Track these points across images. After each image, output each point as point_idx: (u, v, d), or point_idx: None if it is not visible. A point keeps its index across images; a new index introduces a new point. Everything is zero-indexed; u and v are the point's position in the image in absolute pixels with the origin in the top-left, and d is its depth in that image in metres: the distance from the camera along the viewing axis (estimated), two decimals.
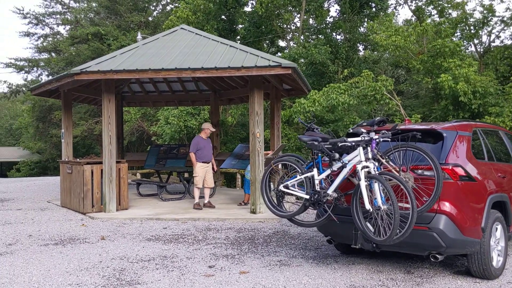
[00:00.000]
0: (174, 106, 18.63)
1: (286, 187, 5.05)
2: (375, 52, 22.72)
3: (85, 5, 31.09)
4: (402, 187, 4.28)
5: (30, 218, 8.98)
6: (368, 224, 4.45)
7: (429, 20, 17.42)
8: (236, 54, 9.18)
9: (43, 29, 32.44)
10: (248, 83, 11.83)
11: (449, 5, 17.28)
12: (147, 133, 25.40)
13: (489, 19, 16.58)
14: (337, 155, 4.66)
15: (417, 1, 19.59)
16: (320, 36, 20.93)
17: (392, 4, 21.75)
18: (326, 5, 21.64)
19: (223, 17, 21.84)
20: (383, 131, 4.65)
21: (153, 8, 30.68)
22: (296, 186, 5.03)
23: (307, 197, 4.84)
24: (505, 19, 17.12)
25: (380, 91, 13.45)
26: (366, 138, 4.54)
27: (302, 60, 18.81)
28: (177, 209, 9.61)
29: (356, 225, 4.54)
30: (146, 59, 9.25)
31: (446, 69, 13.80)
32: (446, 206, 4.60)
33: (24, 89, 30.95)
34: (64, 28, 32.66)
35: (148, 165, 13.32)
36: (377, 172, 4.45)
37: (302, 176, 4.90)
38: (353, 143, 4.60)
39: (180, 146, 13.72)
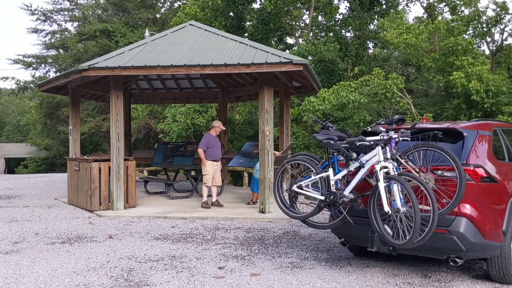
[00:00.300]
0: (181, 104, 18.51)
1: (300, 187, 4.88)
2: (385, 50, 22.47)
3: (93, 1, 31.05)
4: (422, 188, 4.11)
5: (37, 215, 8.88)
6: (386, 227, 4.28)
7: (442, 17, 17.16)
8: (246, 51, 9.01)
9: (51, 26, 32.50)
10: (256, 80, 11.71)
11: (462, 2, 17.00)
12: (154, 130, 25.32)
13: (502, 16, 16.29)
14: (354, 155, 4.48)
15: None
16: (329, 33, 20.71)
17: (403, 1, 21.49)
18: (335, 1, 21.41)
19: (231, 14, 21.68)
20: (402, 130, 4.47)
21: (161, 5, 30.60)
22: (310, 187, 4.86)
23: (322, 198, 4.67)
24: None
25: (391, 90, 13.24)
26: (385, 137, 4.36)
27: (311, 58, 18.61)
28: (185, 208, 9.48)
29: (374, 227, 4.37)
30: (154, 55, 9.12)
31: (458, 67, 13.57)
32: (467, 209, 4.42)
33: (32, 85, 30.97)
34: (72, 25, 32.78)
35: (155, 162, 13.21)
36: (396, 172, 4.27)
37: (317, 176, 4.72)
38: (372, 142, 4.41)
39: (187, 143, 13.60)
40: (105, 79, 11.01)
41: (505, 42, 17.99)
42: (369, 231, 4.68)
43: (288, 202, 5.12)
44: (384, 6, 19.72)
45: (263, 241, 6.70)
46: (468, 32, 16.87)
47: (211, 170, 9.39)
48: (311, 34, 21.38)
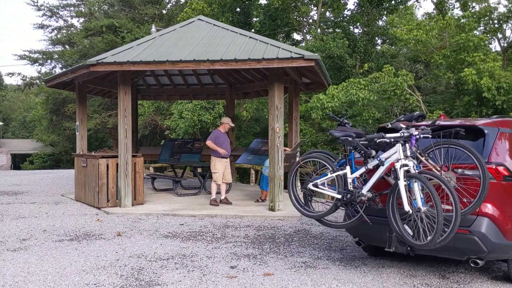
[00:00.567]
0: (188, 100, 18.40)
1: (316, 185, 4.73)
2: (393, 47, 22.24)
3: None
4: (444, 187, 3.97)
5: (44, 212, 8.80)
6: (406, 227, 4.14)
7: (451, 13, 16.92)
8: (256, 46, 8.86)
9: (57, 22, 32.61)
10: (265, 76, 11.58)
11: None
12: (160, 127, 25.25)
13: None
14: (373, 152, 4.34)
15: None
16: (337, 29, 20.51)
17: None
18: None
19: (238, 9, 21.52)
20: (422, 127, 4.33)
21: (167, 1, 30.46)
22: (326, 185, 4.72)
23: (339, 196, 4.53)
24: None
25: (401, 87, 13.06)
26: (406, 134, 4.21)
27: (319, 54, 18.43)
28: (193, 205, 9.37)
29: (393, 227, 4.23)
30: (163, 50, 8.99)
31: (469, 63, 13.37)
32: (488, 208, 4.29)
33: (38, 81, 30.98)
34: (78, 21, 32.63)
35: (163, 159, 13.10)
36: (416, 171, 4.13)
37: (334, 174, 4.58)
38: (392, 140, 4.26)
39: (194, 140, 13.49)
40: (112, 75, 10.90)
41: None
42: (386, 231, 4.55)
43: (302, 200, 4.98)
44: (393, 2, 19.49)
45: (274, 240, 6.58)
46: (479, 29, 16.62)
47: (221, 167, 9.26)
48: (318, 30, 21.19)
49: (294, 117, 11.35)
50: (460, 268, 5.19)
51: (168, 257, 5.61)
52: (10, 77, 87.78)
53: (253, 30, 22.09)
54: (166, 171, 18.14)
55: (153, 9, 27.65)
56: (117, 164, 9.12)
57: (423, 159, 4.30)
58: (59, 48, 31.31)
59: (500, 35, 17.28)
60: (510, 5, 15.92)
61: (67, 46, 30.52)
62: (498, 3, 16.91)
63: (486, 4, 16.49)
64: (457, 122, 4.82)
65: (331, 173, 4.63)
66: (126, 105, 9.05)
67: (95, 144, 30.77)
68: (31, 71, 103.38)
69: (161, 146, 14.79)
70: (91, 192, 9.41)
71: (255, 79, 12.64)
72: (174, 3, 30.48)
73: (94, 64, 8.46)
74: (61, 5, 31.58)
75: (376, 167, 4.40)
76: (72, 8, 31.87)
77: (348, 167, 4.56)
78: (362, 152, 4.47)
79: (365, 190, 4.40)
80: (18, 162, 40.97)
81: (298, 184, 5.23)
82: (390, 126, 4.34)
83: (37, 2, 30.75)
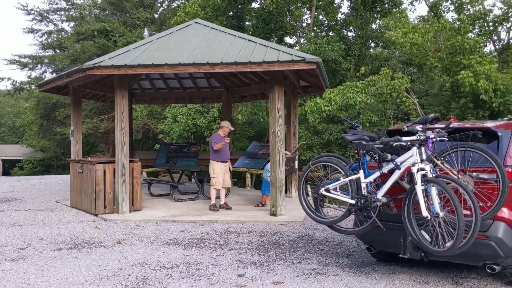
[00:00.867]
0: (184, 104, 18.21)
1: (328, 190, 4.60)
2: (386, 50, 22.26)
3: (90, 1, 30.66)
4: (462, 191, 3.86)
5: (40, 219, 8.56)
6: (424, 233, 4.02)
7: (445, 16, 16.96)
8: (256, 49, 8.74)
9: (47, 26, 32.02)
10: (262, 79, 11.46)
11: (468, 0, 16.78)
12: (153, 131, 24.99)
13: (509, 15, 16.10)
14: (389, 156, 4.21)
15: None
16: (330, 33, 20.48)
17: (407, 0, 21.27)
18: (337, 0, 21.20)
19: (231, 13, 21.41)
20: (437, 130, 4.22)
21: (159, 5, 30.25)
22: (338, 190, 4.59)
23: (353, 202, 4.41)
24: None
25: (399, 90, 13.02)
26: (422, 137, 4.10)
27: None
28: (192, 210, 9.20)
29: (409, 233, 4.11)
30: (161, 53, 8.83)
31: (465, 66, 13.38)
32: (505, 213, 4.20)
33: (27, 86, 30.52)
34: (68, 25, 32.21)
35: (158, 163, 12.90)
36: (433, 174, 4.02)
37: (347, 179, 4.46)
38: (409, 143, 4.15)
39: (191, 144, 13.31)
40: (107, 79, 10.70)
41: None
42: (400, 237, 4.43)
43: (313, 206, 4.85)
44: (386, 5, 19.52)
45: (279, 246, 6.44)
46: (474, 31, 16.67)
47: (221, 172, 9.11)
48: (312, 34, 21.15)
49: (292, 120, 11.24)
50: (472, 274, 5.09)
51: (172, 265, 5.45)
52: (0, 82, 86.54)
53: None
54: (160, 175, 17.90)
55: (145, 13, 27.40)
56: (114, 169, 8.92)
57: (439, 162, 4.19)
58: (49, 52, 30.91)
59: (495, 37, 17.37)
60: (505, 8, 16.00)
61: (58, 51, 30.13)
62: (493, 6, 16.99)
63: (481, 6, 16.55)
64: (470, 124, 4.73)
65: (344, 178, 4.50)
66: (123, 109, 8.87)
67: (86, 149, 30.30)
68: (21, 76, 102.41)
69: (155, 150, 14.58)
70: (87, 198, 9.20)
71: (253, 82, 12.52)
72: (166, 7, 30.29)
73: (91, 68, 8.27)
74: (51, 9, 31.18)
75: (391, 172, 4.29)
76: (62, 12, 31.48)
77: (361, 171, 4.43)
78: (376, 156, 4.35)
79: (379, 195, 4.28)
80: (8, 168, 40.32)
81: (309, 189, 5.08)
82: (406, 129, 4.23)
83: (27, 7, 30.30)
